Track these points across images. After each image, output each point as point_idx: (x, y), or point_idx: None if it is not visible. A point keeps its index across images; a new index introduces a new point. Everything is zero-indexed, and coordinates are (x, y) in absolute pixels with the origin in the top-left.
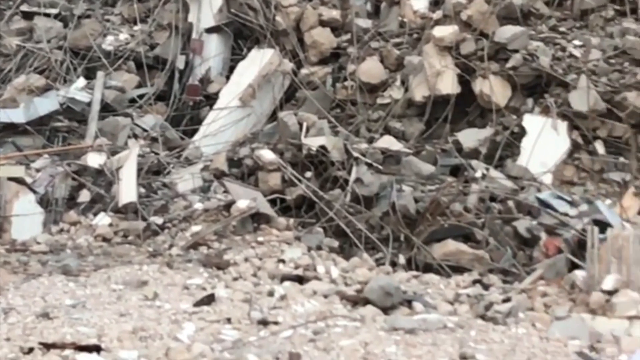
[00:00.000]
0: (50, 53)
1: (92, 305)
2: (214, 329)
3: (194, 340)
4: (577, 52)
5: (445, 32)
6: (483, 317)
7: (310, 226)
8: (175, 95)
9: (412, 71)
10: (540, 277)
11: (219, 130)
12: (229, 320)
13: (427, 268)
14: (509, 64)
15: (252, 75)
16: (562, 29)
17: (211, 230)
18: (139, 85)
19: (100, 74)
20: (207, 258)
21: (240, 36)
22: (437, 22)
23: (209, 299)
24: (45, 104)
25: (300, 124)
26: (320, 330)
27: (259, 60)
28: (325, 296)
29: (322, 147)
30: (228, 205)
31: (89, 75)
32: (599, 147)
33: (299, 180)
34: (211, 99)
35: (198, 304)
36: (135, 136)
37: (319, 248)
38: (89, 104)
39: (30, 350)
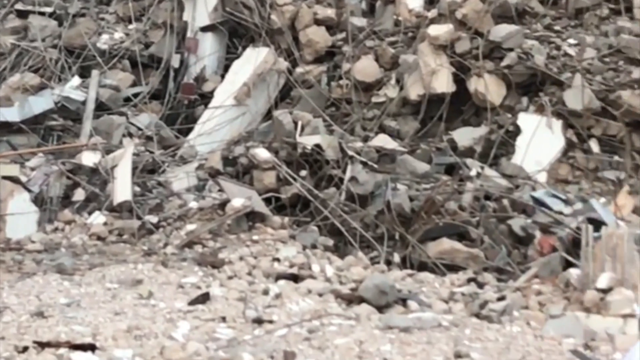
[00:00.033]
0: (45, 52)
1: (86, 304)
2: (209, 327)
3: (188, 339)
4: (571, 51)
5: (440, 30)
6: (478, 316)
7: (305, 225)
8: (170, 94)
9: (407, 70)
10: (534, 275)
11: (213, 129)
12: (223, 319)
13: (422, 266)
14: (504, 63)
15: (247, 74)
16: (556, 27)
17: (206, 229)
18: (134, 84)
19: (95, 73)
20: (202, 257)
21: (235, 35)
22: (432, 21)
23: (204, 298)
24: (40, 103)
25: (295, 123)
26: (315, 328)
27: (254, 58)
28: (320, 295)
29: (317, 145)
30: (223, 204)
31: (84, 74)
32: (594, 145)
33: (294, 179)
34: (206, 98)
35: (193, 302)
36: (130, 135)
37: (313, 247)
38: (83, 103)
39: (25, 349)
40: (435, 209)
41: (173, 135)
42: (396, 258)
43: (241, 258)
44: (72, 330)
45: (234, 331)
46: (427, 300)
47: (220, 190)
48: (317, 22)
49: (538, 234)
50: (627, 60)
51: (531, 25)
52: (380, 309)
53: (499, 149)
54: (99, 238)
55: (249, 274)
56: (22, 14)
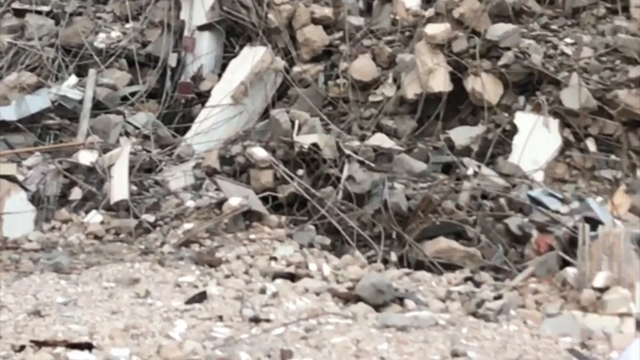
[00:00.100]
0: (42, 51)
1: (83, 303)
2: (206, 326)
3: (185, 337)
4: (568, 50)
5: (438, 29)
6: (474, 315)
7: (302, 224)
8: (167, 93)
9: (404, 69)
10: (531, 274)
11: (211, 127)
12: (220, 318)
13: (419, 265)
14: (501, 62)
15: (244, 73)
16: (553, 26)
17: (203, 228)
18: (131, 83)
19: (92, 72)
20: (199, 256)
21: (233, 34)
22: (429, 20)
23: (201, 297)
24: (37, 102)
25: (293, 122)
26: (312, 327)
27: (251, 57)
28: (317, 294)
29: (314, 144)
30: (220, 203)
31: (81, 72)
32: (590, 144)
33: (291, 178)
34: (203, 97)
35: (190, 301)
36: (127, 134)
37: (310, 245)
38: (80, 102)
39: (22, 348)
40: (432, 208)
41: (170, 134)
42: (393, 257)
43: (238, 257)
44: (69, 329)
45: (231, 330)
46: (424, 299)
47: (218, 189)
48: (315, 21)
49: (535, 233)
50: (623, 59)
51: (528, 24)
52: (377, 307)
53: (495, 148)
54: (96, 237)
55: (246, 272)
56: (19, 13)
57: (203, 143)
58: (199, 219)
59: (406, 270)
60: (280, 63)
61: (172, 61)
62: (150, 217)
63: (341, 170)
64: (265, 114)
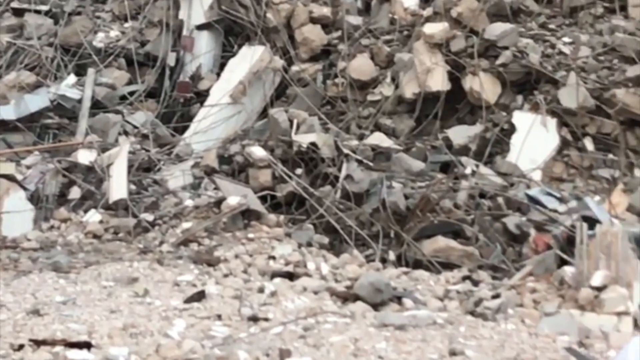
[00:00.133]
0: (41, 50)
1: (82, 302)
2: (205, 325)
3: (184, 336)
4: (566, 49)
5: (436, 29)
6: (472, 313)
7: (301, 223)
8: (166, 92)
9: (402, 68)
10: (529, 273)
11: (209, 127)
12: (219, 317)
13: (417, 264)
14: (499, 61)
15: (242, 72)
16: (551, 26)
17: (201, 227)
18: (130, 82)
19: (90, 71)
20: (197, 255)
21: (231, 33)
22: (428, 19)
23: (200, 296)
24: (36, 101)
25: (291, 121)
26: (311, 326)
27: (250, 57)
28: (316, 292)
29: (313, 144)
30: (218, 202)
31: (80, 72)
32: (588, 143)
33: (290, 177)
34: (202, 96)
35: (188, 300)
36: (126, 133)
37: (309, 244)
38: (79, 101)
39: (21, 347)
40: (430, 207)
41: (169, 134)
42: (391, 256)
43: (237, 256)
44: (68, 328)
45: (230, 329)
46: (422, 298)
47: (216, 188)
48: (313, 20)
49: (533, 232)
50: (621, 58)
51: (526, 23)
52: (376, 306)
53: (493, 147)
54: (95, 236)
55: (245, 271)
56: (18, 12)
57: (202, 142)
58: (198, 218)
59: (404, 269)
60: (279, 62)
61: (171, 60)
62: (149, 216)
63: (339, 170)
64: (263, 113)
